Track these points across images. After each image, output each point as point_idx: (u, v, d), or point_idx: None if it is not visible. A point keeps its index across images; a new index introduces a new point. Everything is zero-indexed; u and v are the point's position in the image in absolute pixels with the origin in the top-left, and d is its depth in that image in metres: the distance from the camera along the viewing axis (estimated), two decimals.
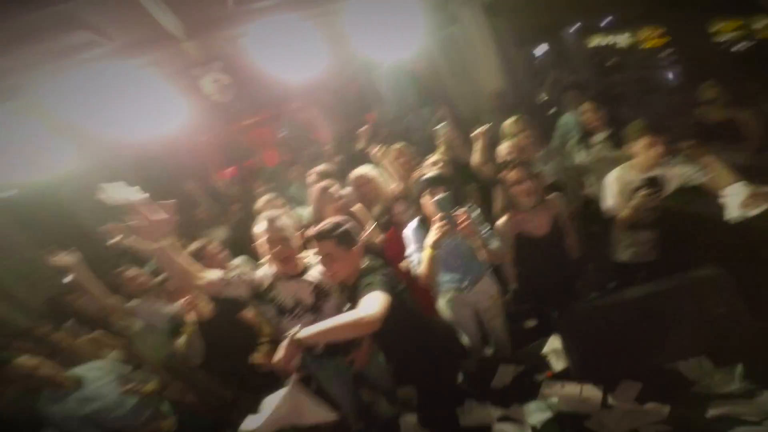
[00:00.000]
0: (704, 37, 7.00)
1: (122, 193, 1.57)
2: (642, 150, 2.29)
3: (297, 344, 1.47)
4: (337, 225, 1.90)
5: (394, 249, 2.50)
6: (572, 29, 9.56)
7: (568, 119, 3.81)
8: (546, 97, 4.54)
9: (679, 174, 2.22)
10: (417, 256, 2.13)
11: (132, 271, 3.00)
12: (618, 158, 2.65)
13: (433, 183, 2.09)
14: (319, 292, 2.07)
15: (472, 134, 3.01)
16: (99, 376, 2.43)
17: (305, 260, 2.14)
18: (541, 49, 11.19)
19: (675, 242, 2.20)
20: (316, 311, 2.05)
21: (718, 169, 2.03)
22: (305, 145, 6.40)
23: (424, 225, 2.15)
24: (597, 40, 13.02)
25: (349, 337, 1.79)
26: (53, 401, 2.28)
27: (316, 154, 5.44)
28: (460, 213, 1.83)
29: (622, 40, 13.51)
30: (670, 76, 7.79)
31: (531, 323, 2.71)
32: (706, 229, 2.03)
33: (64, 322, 3.08)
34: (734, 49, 6.57)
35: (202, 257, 2.58)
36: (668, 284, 1.72)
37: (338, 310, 2.04)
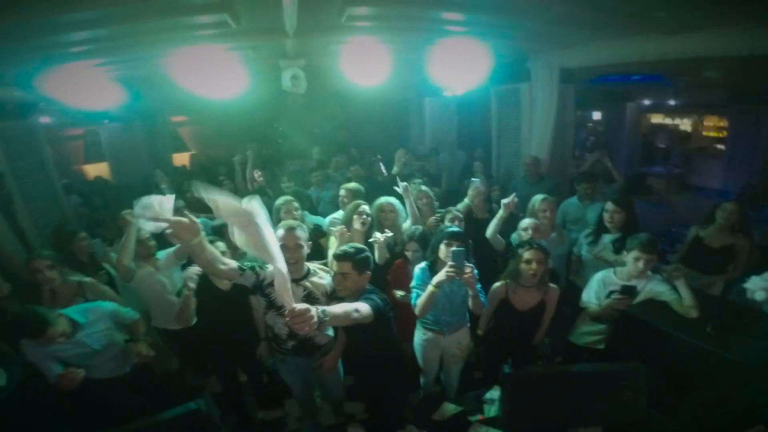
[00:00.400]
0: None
1: (155, 209, 1.70)
2: (631, 261, 2.63)
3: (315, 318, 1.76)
4: (360, 251, 2.26)
5: (396, 277, 2.93)
6: (636, 103, 9.35)
7: (572, 205, 4.01)
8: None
9: (652, 290, 2.59)
10: (417, 292, 2.52)
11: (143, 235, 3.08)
12: (612, 262, 3.02)
13: (454, 237, 2.49)
14: (309, 299, 2.33)
15: (503, 202, 3.10)
16: (96, 320, 2.41)
17: (309, 266, 2.44)
18: (596, 115, 11.23)
19: (622, 339, 2.56)
20: None
21: (684, 294, 2.44)
22: (336, 151, 6.59)
23: (432, 269, 2.55)
24: (658, 119, 12.95)
25: (343, 323, 2.10)
26: (39, 343, 2.17)
27: (341, 164, 5.66)
28: (468, 266, 2.21)
29: (685, 124, 13.37)
30: (710, 178, 7.88)
31: (479, 374, 3.10)
32: (650, 335, 2.37)
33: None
34: None
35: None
36: (598, 368, 2.13)
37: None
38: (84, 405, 2.40)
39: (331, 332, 2.58)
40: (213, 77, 3.46)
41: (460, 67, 3.73)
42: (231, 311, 2.76)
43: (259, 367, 3.05)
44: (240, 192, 4.69)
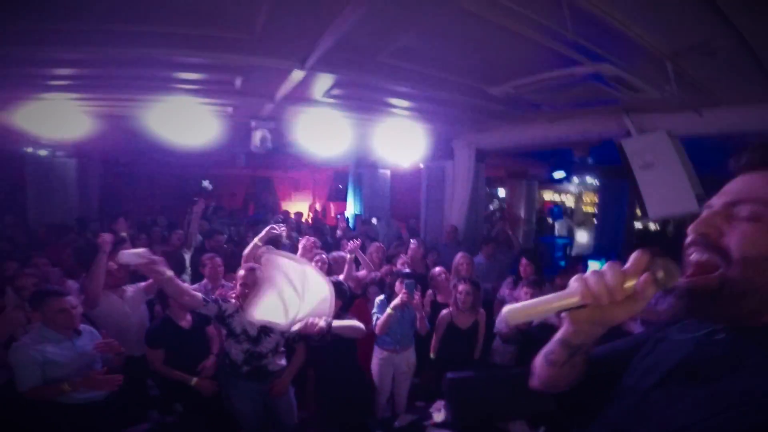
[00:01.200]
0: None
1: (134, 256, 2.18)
2: (523, 295, 3.40)
3: (321, 328, 2.31)
4: (339, 282, 2.88)
5: (357, 314, 3.34)
6: (528, 181, 10.48)
7: (479, 263, 4.83)
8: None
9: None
10: (378, 316, 3.25)
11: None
12: None
13: (405, 276, 3.37)
14: (264, 328, 2.68)
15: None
16: (89, 331, 2.60)
17: None
18: (501, 192, 12.94)
19: (526, 353, 3.23)
20: (255, 342, 2.70)
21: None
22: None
23: (389, 301, 3.23)
24: (549, 195, 15.12)
25: (349, 336, 2.62)
26: (50, 341, 2.34)
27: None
28: (417, 293, 3.03)
29: (569, 200, 15.69)
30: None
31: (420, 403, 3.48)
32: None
33: None
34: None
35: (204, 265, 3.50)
36: (510, 372, 2.96)
37: (275, 346, 2.76)
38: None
39: (283, 361, 2.88)
40: (183, 127, 3.78)
41: (401, 145, 4.63)
42: (191, 347, 2.99)
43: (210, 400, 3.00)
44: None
